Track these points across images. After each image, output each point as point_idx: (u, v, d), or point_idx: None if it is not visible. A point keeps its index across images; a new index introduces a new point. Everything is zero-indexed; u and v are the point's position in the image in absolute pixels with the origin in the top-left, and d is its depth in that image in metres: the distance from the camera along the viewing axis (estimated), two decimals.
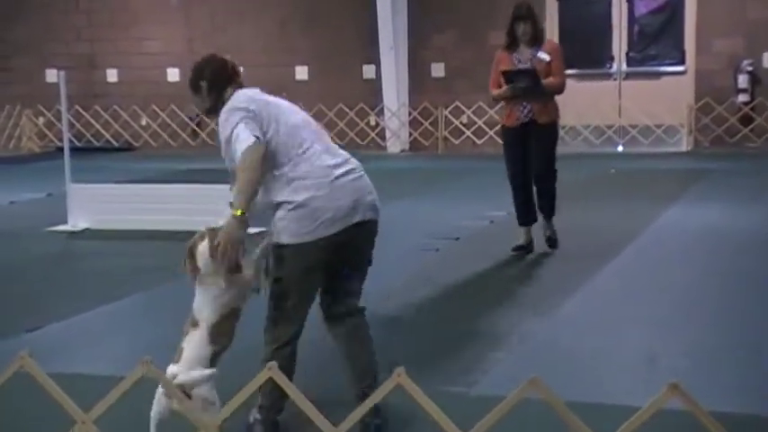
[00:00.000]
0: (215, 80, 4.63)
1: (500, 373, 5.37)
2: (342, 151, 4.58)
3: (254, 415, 4.49)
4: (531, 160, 8.60)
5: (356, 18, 18.04)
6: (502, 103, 8.66)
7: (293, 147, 4.42)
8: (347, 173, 4.47)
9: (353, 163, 4.55)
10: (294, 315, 4.45)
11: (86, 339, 6.43)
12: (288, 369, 4.28)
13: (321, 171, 4.41)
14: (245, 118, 4.36)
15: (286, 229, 4.39)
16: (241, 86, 4.66)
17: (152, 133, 19.51)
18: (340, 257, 4.46)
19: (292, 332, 4.46)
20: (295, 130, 4.46)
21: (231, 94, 4.57)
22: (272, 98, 4.64)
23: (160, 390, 4.15)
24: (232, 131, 4.33)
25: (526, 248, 8.69)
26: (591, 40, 17.44)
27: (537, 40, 8.60)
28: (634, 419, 3.14)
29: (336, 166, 4.45)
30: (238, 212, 4.28)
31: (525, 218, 8.69)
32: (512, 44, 8.55)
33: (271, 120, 4.43)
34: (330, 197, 4.38)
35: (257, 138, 4.29)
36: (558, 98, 8.74)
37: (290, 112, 4.56)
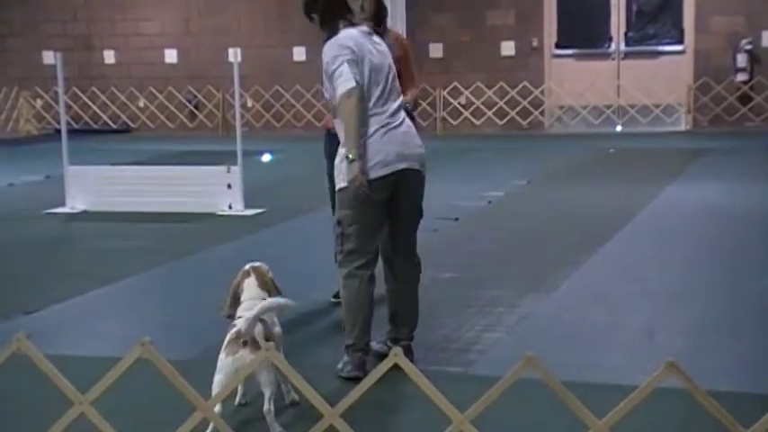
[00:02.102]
0: (326, 14, 4.99)
1: (498, 352, 5.37)
2: (397, 103, 5.02)
3: (344, 358, 4.96)
4: None
5: None
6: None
7: (369, 94, 4.89)
8: (392, 122, 4.94)
9: (402, 115, 5.03)
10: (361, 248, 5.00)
11: (84, 321, 6.43)
12: (367, 292, 4.96)
13: (377, 119, 4.91)
14: (350, 60, 4.80)
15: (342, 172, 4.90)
16: (352, 24, 5.01)
17: (149, 115, 19.47)
18: (393, 201, 4.98)
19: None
20: (374, 80, 4.91)
21: (342, 29, 4.96)
22: (367, 43, 4.96)
23: (227, 359, 4.19)
24: (336, 69, 4.78)
25: None
26: (589, 20, 17.38)
27: (380, 23, 6.19)
28: (631, 398, 3.14)
29: (392, 115, 4.96)
30: (351, 155, 4.81)
31: None
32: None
33: (365, 66, 4.88)
34: (380, 141, 4.88)
35: (357, 82, 4.77)
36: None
37: (375, 62, 4.93)
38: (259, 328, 4.32)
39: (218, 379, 4.17)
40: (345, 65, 4.80)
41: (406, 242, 5.16)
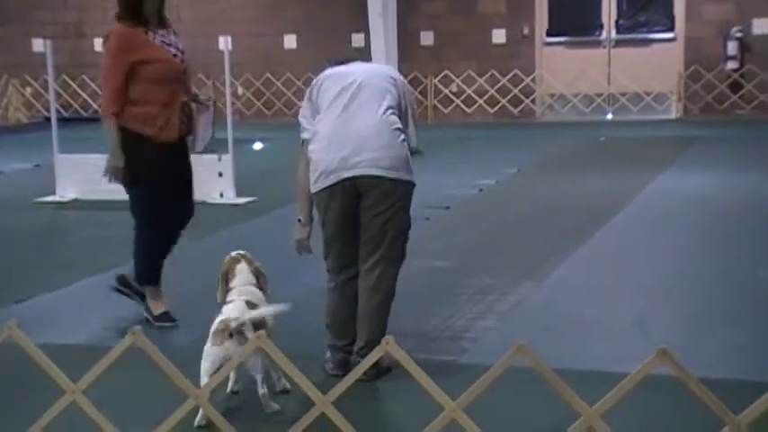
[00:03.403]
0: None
1: (490, 341, 5.38)
2: (369, 111, 4.72)
3: (327, 353, 4.88)
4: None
5: None
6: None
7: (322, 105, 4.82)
8: (347, 129, 4.67)
9: (368, 120, 4.70)
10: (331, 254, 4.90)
11: (75, 310, 6.42)
12: (341, 299, 4.84)
13: (322, 129, 4.74)
14: (305, 106, 4.89)
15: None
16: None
17: None
18: (353, 210, 4.74)
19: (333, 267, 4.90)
20: (331, 104, 4.77)
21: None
22: (341, 79, 4.82)
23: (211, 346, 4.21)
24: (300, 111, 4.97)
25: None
26: (580, 8, 17.39)
27: (161, 19, 5.70)
28: (622, 385, 3.15)
29: (339, 122, 4.71)
30: (301, 217, 4.94)
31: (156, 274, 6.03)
32: (139, 16, 5.59)
33: (322, 105, 4.79)
34: (323, 151, 4.70)
35: (301, 136, 4.88)
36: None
37: (342, 92, 4.76)
38: (250, 316, 4.34)
39: (204, 367, 4.19)
40: (300, 112, 4.93)
41: (366, 254, 4.80)
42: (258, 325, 4.34)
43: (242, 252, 4.74)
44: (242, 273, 4.62)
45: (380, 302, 4.82)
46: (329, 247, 4.86)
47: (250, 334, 4.19)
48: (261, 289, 4.64)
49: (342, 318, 4.87)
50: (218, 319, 4.30)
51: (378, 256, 4.77)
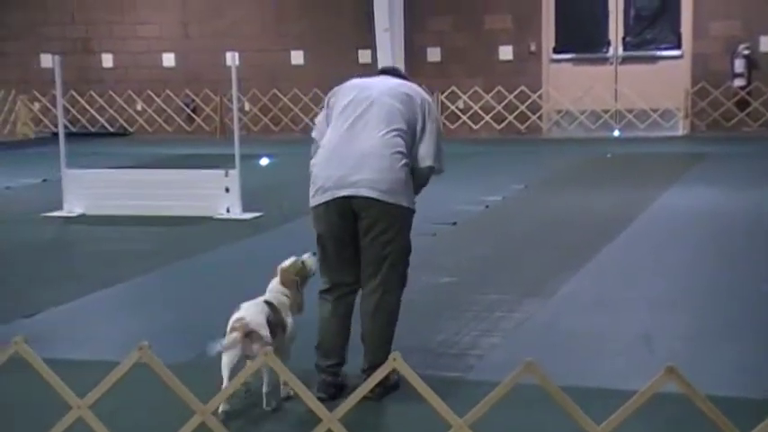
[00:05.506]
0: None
1: (496, 357, 5.36)
2: (373, 131, 4.67)
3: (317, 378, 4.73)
4: None
5: (352, 2, 17.99)
6: None
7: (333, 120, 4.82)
8: (349, 147, 4.64)
9: (371, 141, 4.64)
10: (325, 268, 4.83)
11: (82, 325, 6.42)
12: (331, 317, 4.75)
13: (326, 143, 4.74)
14: (321, 113, 4.92)
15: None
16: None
17: (147, 118, 19.46)
18: (357, 231, 4.68)
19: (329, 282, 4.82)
20: (339, 116, 4.76)
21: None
22: (356, 89, 4.82)
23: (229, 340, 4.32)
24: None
25: None
26: (587, 25, 17.41)
27: None
28: (630, 404, 3.14)
29: (343, 138, 4.68)
30: None
31: None
32: None
33: (333, 114, 4.80)
34: (324, 166, 4.68)
35: (315, 137, 4.89)
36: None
37: (351, 103, 4.75)
38: (265, 317, 4.45)
39: (224, 361, 4.33)
40: (317, 119, 4.97)
41: (366, 278, 4.75)
42: (275, 324, 4.47)
43: (285, 265, 4.85)
44: (272, 286, 4.80)
45: (382, 326, 4.77)
46: (324, 263, 4.81)
47: (264, 332, 4.33)
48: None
49: (331, 336, 4.78)
50: (234, 317, 4.43)
51: (378, 281, 4.72)
